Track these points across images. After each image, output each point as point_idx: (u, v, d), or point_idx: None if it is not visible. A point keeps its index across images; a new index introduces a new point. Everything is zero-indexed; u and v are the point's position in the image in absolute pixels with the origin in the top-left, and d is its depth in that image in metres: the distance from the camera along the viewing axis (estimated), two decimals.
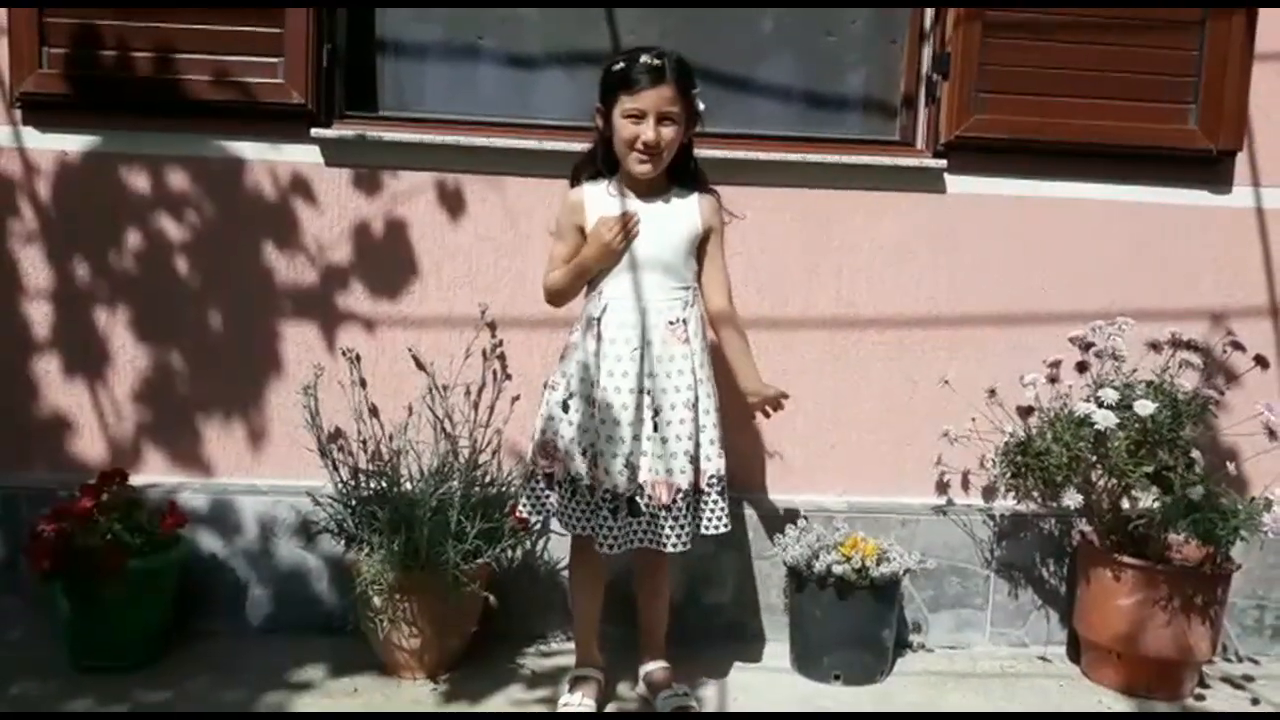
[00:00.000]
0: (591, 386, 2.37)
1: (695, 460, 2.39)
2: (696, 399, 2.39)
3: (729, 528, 2.44)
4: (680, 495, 2.36)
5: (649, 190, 2.44)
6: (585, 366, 2.39)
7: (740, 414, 2.62)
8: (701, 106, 2.42)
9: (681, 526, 2.37)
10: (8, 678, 2.52)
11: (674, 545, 2.37)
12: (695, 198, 2.48)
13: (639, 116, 2.33)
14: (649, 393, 2.37)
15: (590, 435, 2.37)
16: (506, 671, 2.69)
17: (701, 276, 2.49)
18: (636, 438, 2.36)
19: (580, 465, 2.38)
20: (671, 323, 2.39)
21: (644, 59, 2.32)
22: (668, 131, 2.35)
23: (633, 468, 2.35)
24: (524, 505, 2.50)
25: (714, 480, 2.41)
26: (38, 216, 2.86)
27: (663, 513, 2.36)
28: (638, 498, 2.36)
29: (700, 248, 2.48)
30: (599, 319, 2.38)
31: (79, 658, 2.60)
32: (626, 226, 2.38)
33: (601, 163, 2.48)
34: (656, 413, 2.37)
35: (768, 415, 2.56)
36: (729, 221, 2.53)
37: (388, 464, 2.68)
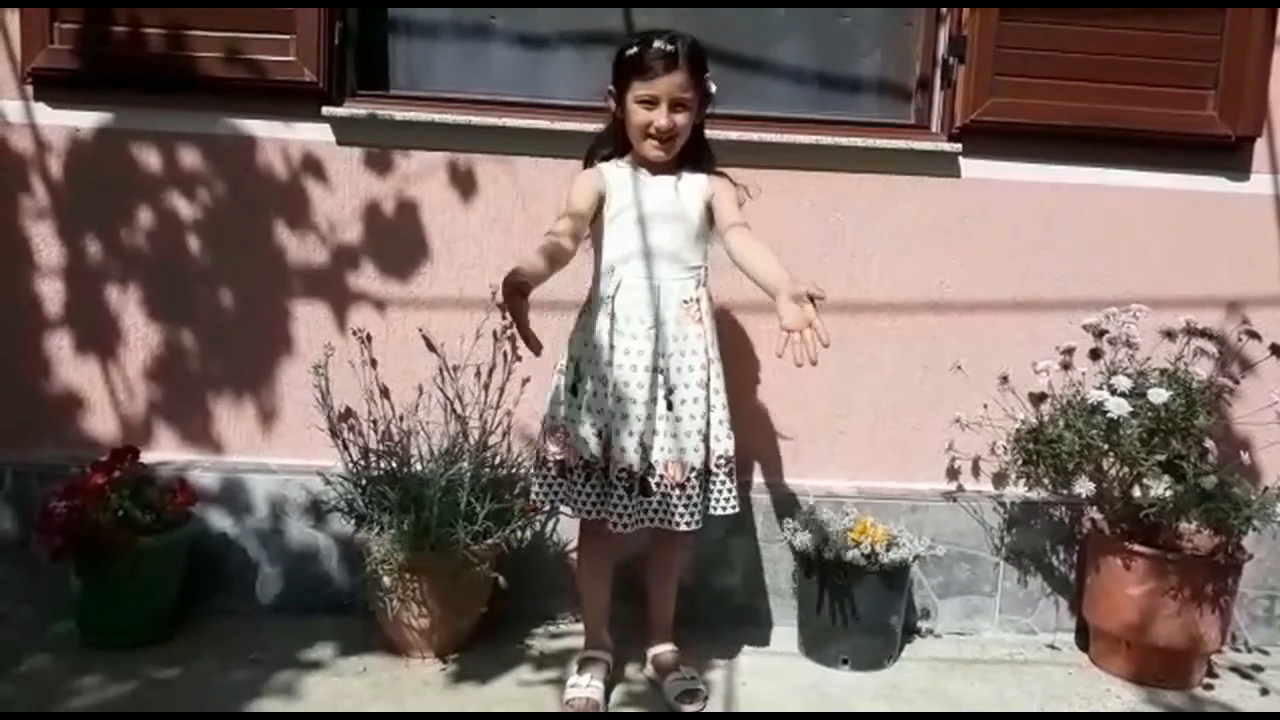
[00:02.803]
0: (605, 367, 2.37)
1: (706, 440, 2.39)
2: (708, 379, 2.39)
3: (737, 509, 2.44)
4: (694, 474, 2.36)
5: (660, 170, 2.44)
6: (598, 347, 2.38)
7: (749, 399, 2.61)
8: (713, 89, 2.42)
9: (695, 505, 2.36)
10: (18, 654, 2.54)
11: (686, 524, 2.37)
12: (703, 176, 2.47)
13: (652, 102, 2.33)
14: (663, 371, 2.37)
15: (605, 416, 2.36)
16: (515, 652, 2.70)
17: (718, 222, 2.42)
18: (650, 416, 2.35)
19: (595, 447, 2.37)
20: (685, 301, 2.38)
21: (657, 44, 2.31)
22: (680, 118, 2.35)
23: (645, 447, 2.35)
24: (535, 493, 2.48)
25: (722, 461, 2.41)
26: (49, 193, 2.85)
27: (675, 492, 2.36)
28: (649, 477, 2.36)
29: (710, 215, 2.45)
30: (613, 297, 2.37)
31: (89, 635, 2.62)
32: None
33: (614, 145, 2.48)
34: (670, 392, 2.37)
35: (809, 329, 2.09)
36: (743, 201, 2.51)
37: (398, 444, 2.68)
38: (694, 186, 2.45)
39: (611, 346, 2.37)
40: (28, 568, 2.75)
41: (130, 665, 2.50)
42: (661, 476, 2.36)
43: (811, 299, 2.09)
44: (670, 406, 2.37)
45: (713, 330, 2.43)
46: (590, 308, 2.44)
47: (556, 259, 2.24)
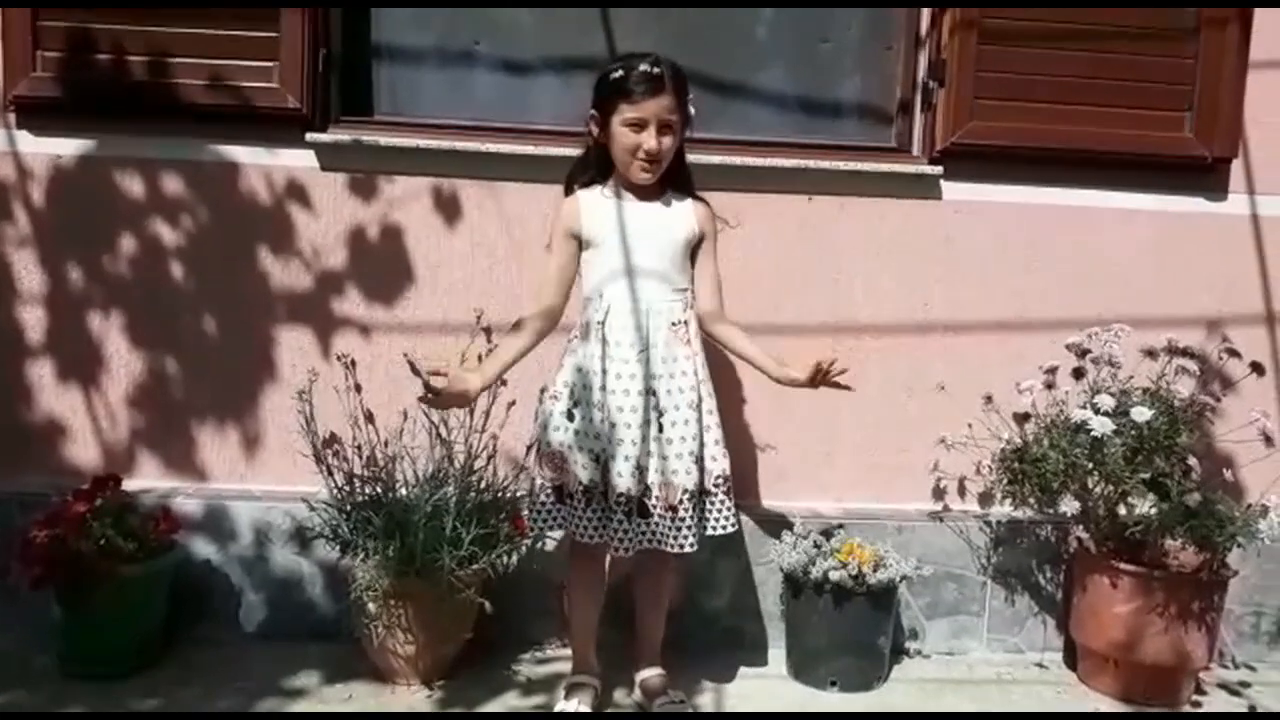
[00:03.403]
0: (598, 392, 2.36)
1: (700, 461, 2.39)
2: (699, 400, 2.39)
3: (736, 527, 2.45)
4: (686, 496, 2.35)
5: (644, 193, 2.45)
6: (590, 372, 2.38)
7: (734, 422, 2.61)
8: (693, 111, 2.43)
9: (688, 528, 2.36)
10: None
11: (679, 546, 2.36)
12: (690, 202, 2.49)
13: (640, 125, 2.34)
14: (654, 394, 2.37)
15: (601, 441, 2.36)
16: (502, 678, 2.68)
17: (694, 280, 2.49)
18: (644, 439, 2.35)
19: (593, 473, 2.36)
20: (674, 324, 2.39)
21: (642, 67, 2.32)
22: (667, 140, 2.36)
23: (641, 470, 2.35)
24: (531, 521, 2.46)
25: (720, 481, 2.41)
26: (31, 221, 2.85)
27: (669, 514, 2.35)
28: (646, 499, 2.36)
29: (693, 254, 2.49)
30: (603, 323, 2.38)
31: (71, 665, 2.58)
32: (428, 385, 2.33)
33: (595, 169, 2.48)
34: (661, 414, 2.37)
35: (827, 377, 2.43)
36: (721, 230, 2.54)
37: (383, 469, 2.66)
38: (680, 211, 2.47)
39: (604, 371, 2.37)
40: (8, 598, 2.71)
41: (113, 696, 2.47)
42: (657, 499, 2.36)
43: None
44: (661, 429, 2.37)
45: (702, 352, 2.44)
46: (581, 334, 2.44)
47: (531, 342, 2.46)
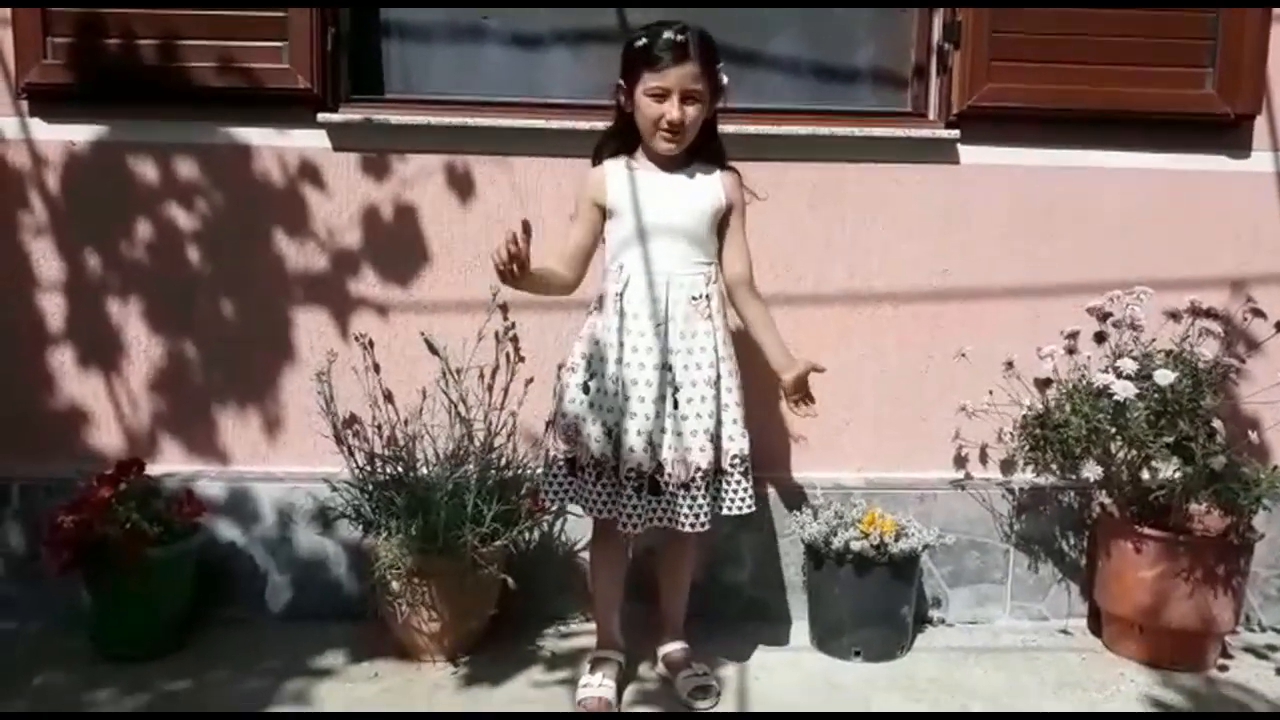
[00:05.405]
0: (614, 364, 2.35)
1: (717, 439, 2.37)
2: (718, 376, 2.37)
3: (753, 509, 2.41)
4: (699, 474, 2.34)
5: (670, 164, 2.42)
6: (606, 345, 2.36)
7: (755, 393, 2.59)
8: (725, 80, 2.39)
9: (700, 506, 2.34)
10: (30, 668, 2.54)
11: (691, 525, 2.34)
12: (717, 173, 2.45)
13: (663, 95, 2.30)
14: (670, 369, 2.35)
15: (615, 414, 2.35)
16: (526, 653, 2.70)
17: (721, 250, 2.47)
18: (659, 415, 2.34)
19: (605, 446, 2.35)
20: (694, 298, 2.37)
21: (667, 35, 2.27)
22: (692, 110, 2.32)
23: (654, 445, 2.33)
24: (545, 493, 2.47)
25: (736, 460, 2.39)
26: (47, 208, 2.85)
27: (681, 491, 2.34)
28: (658, 476, 2.34)
29: (721, 224, 2.46)
30: (621, 294, 2.36)
31: (100, 647, 2.62)
32: (510, 248, 2.23)
33: (622, 139, 2.46)
34: (677, 390, 2.35)
35: (810, 400, 2.51)
36: (749, 201, 2.51)
37: (403, 449, 2.67)
38: (706, 184, 2.43)
39: (620, 344, 2.35)
40: (39, 582, 2.75)
41: (142, 677, 2.50)
42: (670, 476, 2.34)
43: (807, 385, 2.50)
44: (677, 405, 2.35)
45: (724, 328, 2.41)
46: (600, 305, 2.43)
47: (553, 283, 2.42)
